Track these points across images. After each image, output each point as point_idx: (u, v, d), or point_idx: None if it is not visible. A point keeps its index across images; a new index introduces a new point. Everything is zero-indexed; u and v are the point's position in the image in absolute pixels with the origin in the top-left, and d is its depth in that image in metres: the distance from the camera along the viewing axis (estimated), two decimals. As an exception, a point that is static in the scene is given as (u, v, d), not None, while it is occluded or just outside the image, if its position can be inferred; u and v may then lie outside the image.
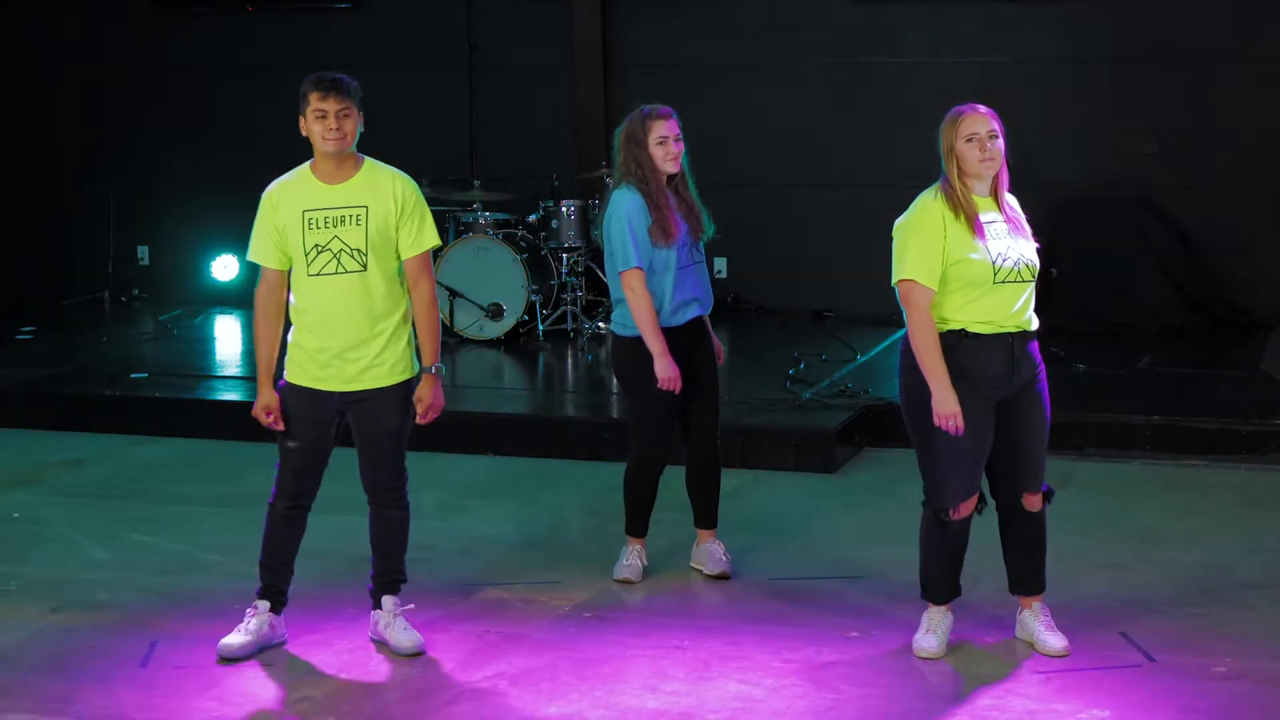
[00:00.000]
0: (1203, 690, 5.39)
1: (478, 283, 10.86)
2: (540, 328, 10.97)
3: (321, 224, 5.64)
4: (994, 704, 5.34)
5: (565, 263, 11.06)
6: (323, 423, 5.74)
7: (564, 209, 11.10)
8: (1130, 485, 8.08)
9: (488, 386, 10.21)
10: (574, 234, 11.07)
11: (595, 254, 11.46)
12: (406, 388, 5.76)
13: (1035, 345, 5.67)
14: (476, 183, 11.37)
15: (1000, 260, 5.51)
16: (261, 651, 5.78)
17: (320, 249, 5.64)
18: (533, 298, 10.88)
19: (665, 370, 6.29)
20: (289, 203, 5.68)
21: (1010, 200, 5.70)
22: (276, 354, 5.77)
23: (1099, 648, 5.76)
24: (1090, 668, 5.59)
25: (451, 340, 10.95)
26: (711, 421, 6.59)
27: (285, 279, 5.74)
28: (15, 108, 13.53)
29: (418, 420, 5.76)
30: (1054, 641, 5.70)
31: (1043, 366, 5.69)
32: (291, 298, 5.73)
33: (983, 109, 5.58)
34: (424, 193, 11.73)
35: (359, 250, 5.63)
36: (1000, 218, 5.59)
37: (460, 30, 12.63)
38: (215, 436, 9.15)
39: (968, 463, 5.58)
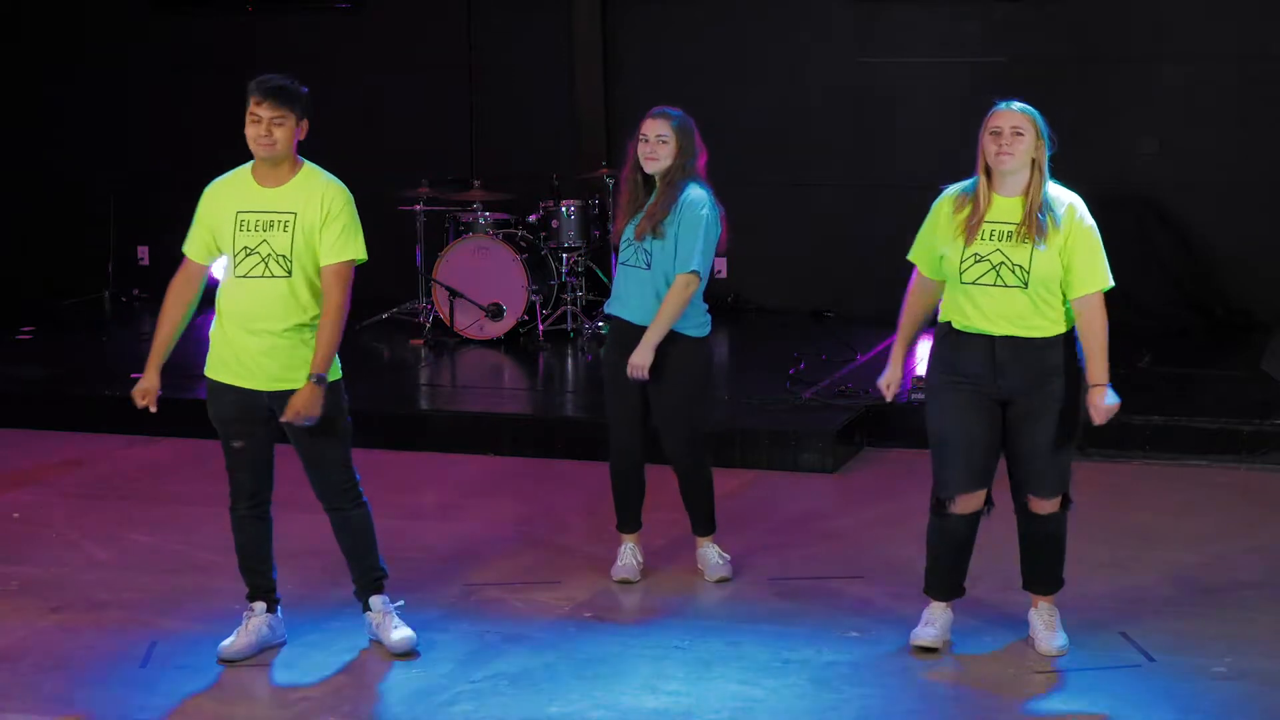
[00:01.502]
0: (1203, 690, 5.40)
1: (478, 283, 10.85)
2: (540, 328, 10.97)
3: (253, 227, 5.61)
4: (994, 704, 5.34)
5: (565, 263, 11.06)
6: (256, 420, 5.71)
7: (564, 209, 11.10)
8: (1130, 485, 8.08)
9: (488, 386, 10.21)
10: (574, 234, 11.07)
11: (595, 254, 11.47)
12: (334, 388, 5.67)
13: (1052, 353, 5.55)
14: (476, 183, 11.37)
15: (972, 261, 5.50)
16: (262, 652, 5.78)
17: (249, 251, 5.60)
18: (533, 298, 10.87)
19: None
20: (225, 202, 5.67)
21: (1054, 203, 5.53)
22: (173, 343, 5.74)
23: (1099, 648, 5.76)
24: (1090, 668, 5.59)
25: (451, 340, 10.95)
26: (666, 434, 6.53)
27: (202, 273, 5.76)
28: (15, 107, 13.53)
29: (281, 418, 5.60)
30: (1051, 643, 5.70)
31: (1066, 377, 5.56)
32: (221, 294, 5.72)
33: (1016, 106, 5.55)
34: (424, 193, 11.78)
35: (284, 256, 5.58)
36: (1014, 221, 5.51)
37: (460, 30, 12.63)
38: (215, 436, 9.10)
39: (955, 451, 5.59)
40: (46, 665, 5.74)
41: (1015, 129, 5.49)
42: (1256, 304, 11.30)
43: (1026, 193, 5.53)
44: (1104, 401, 5.56)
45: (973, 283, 5.51)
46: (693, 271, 6.31)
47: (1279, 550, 7.00)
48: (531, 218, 11.25)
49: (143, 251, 13.46)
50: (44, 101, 13.54)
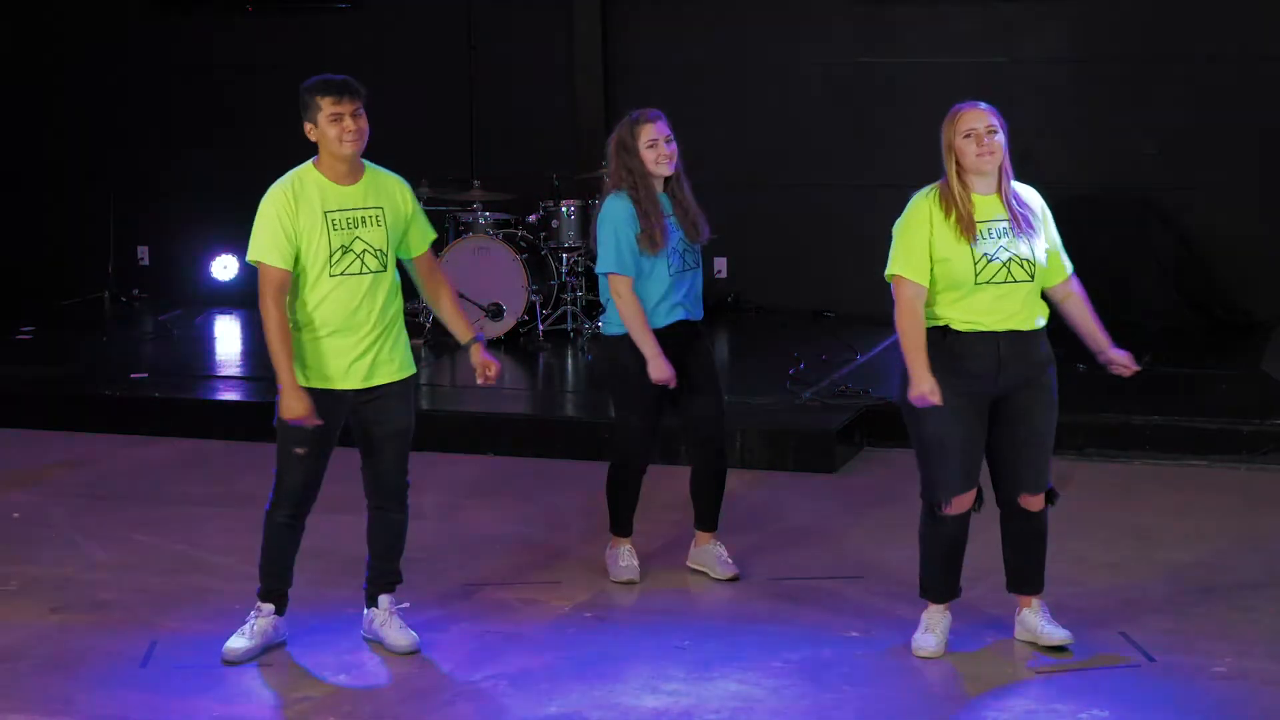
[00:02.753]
0: (1203, 690, 5.40)
1: (478, 283, 10.85)
2: (540, 328, 10.97)
3: (343, 225, 5.65)
4: (994, 704, 5.34)
5: (565, 263, 11.06)
6: (333, 427, 5.73)
7: (564, 209, 11.11)
8: (1130, 485, 8.08)
9: (488, 386, 10.17)
10: (574, 234, 11.07)
11: (595, 254, 11.47)
12: (412, 384, 5.84)
13: (1042, 344, 5.63)
14: (476, 183, 11.37)
15: (986, 261, 5.51)
16: (265, 652, 5.78)
17: (345, 249, 5.64)
18: (533, 298, 10.88)
19: (659, 371, 6.29)
20: (308, 205, 5.62)
21: (1024, 195, 5.64)
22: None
23: (1099, 648, 5.76)
24: (1090, 668, 5.59)
25: (452, 340, 10.91)
26: (714, 423, 6.55)
27: (290, 279, 5.66)
28: (15, 107, 13.53)
29: (485, 381, 5.94)
30: (1058, 632, 5.71)
31: (1053, 367, 5.67)
32: (302, 300, 5.65)
33: (982, 105, 5.59)
34: (423, 192, 11.85)
35: (381, 250, 5.68)
36: (1004, 216, 5.55)
37: (460, 31, 12.63)
38: (215, 436, 9.15)
39: (954, 455, 5.58)
40: (46, 665, 5.74)
41: (990, 128, 5.53)
42: (1256, 304, 11.31)
43: (1000, 188, 5.58)
44: (1122, 355, 5.74)
45: (988, 282, 5.52)
46: None
47: (1279, 550, 7.00)
48: (531, 218, 11.25)
49: (143, 251, 13.46)
50: (44, 101, 13.54)
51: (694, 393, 6.49)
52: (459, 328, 5.98)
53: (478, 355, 5.91)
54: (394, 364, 5.77)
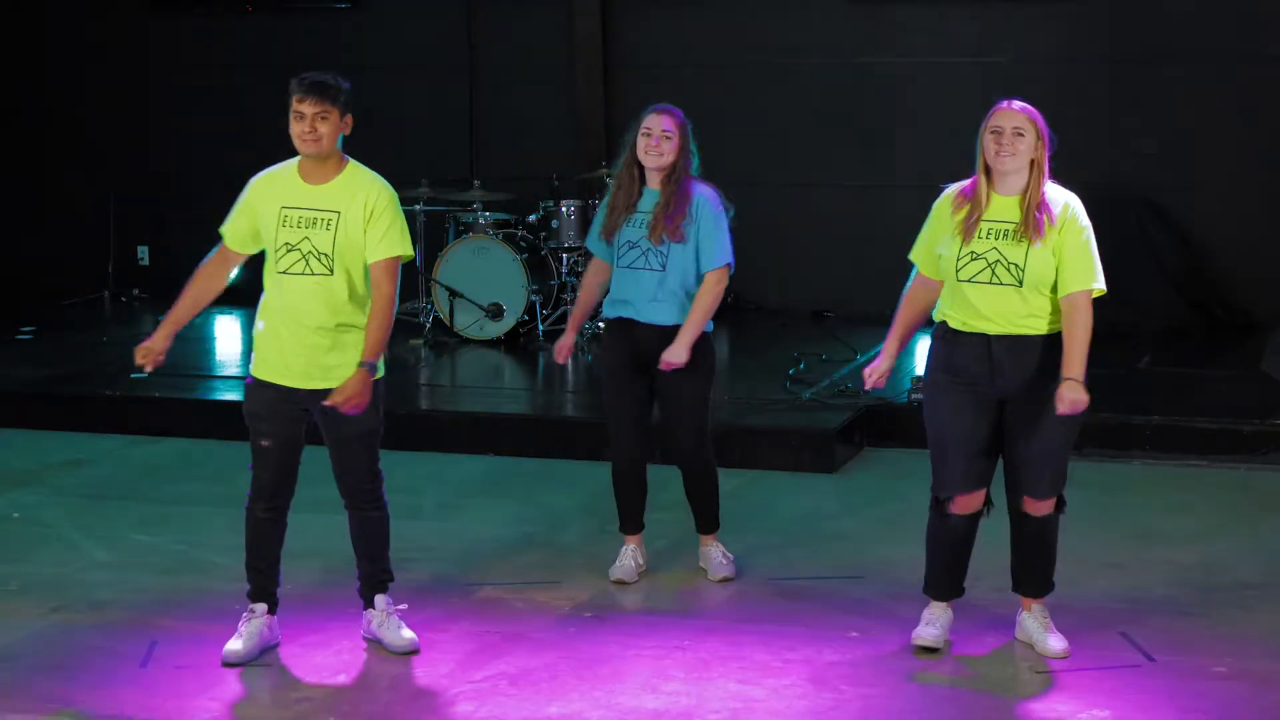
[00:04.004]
0: (1203, 690, 5.40)
1: (478, 283, 10.86)
2: (540, 328, 10.97)
3: (295, 223, 5.63)
4: (993, 704, 5.34)
5: (565, 263, 11.06)
6: (292, 419, 5.72)
7: (564, 209, 11.10)
8: (1130, 485, 8.08)
9: (488, 386, 10.21)
10: (574, 234, 11.06)
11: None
12: (373, 389, 5.67)
13: (1051, 355, 5.45)
14: (476, 183, 11.37)
15: (969, 259, 5.50)
16: (263, 653, 5.78)
17: (290, 247, 5.62)
18: (533, 298, 10.87)
19: (559, 343, 6.58)
20: (271, 195, 5.68)
21: (1053, 203, 5.51)
22: (190, 312, 5.77)
23: (1099, 648, 5.76)
24: (1090, 668, 5.60)
25: (452, 340, 10.95)
26: (677, 432, 6.52)
27: (238, 260, 5.81)
28: (15, 107, 13.53)
29: (325, 403, 5.57)
30: (1054, 643, 5.70)
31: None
32: (263, 291, 5.74)
33: (1018, 105, 5.55)
34: (423, 193, 11.76)
35: (326, 255, 5.60)
36: (1015, 219, 5.49)
37: (460, 30, 12.63)
38: (215, 436, 9.13)
39: (952, 451, 5.60)
40: (46, 665, 5.74)
41: (1016, 129, 5.48)
42: (1256, 304, 11.30)
43: (1025, 192, 5.52)
44: (1070, 393, 5.40)
45: (969, 280, 5.51)
46: (725, 265, 6.43)
47: (1279, 550, 7.00)
48: (531, 218, 11.25)
49: (143, 251, 13.45)
50: (44, 101, 13.54)
51: (661, 404, 6.53)
52: (365, 345, 5.60)
53: (349, 381, 5.53)
54: (348, 368, 5.61)
